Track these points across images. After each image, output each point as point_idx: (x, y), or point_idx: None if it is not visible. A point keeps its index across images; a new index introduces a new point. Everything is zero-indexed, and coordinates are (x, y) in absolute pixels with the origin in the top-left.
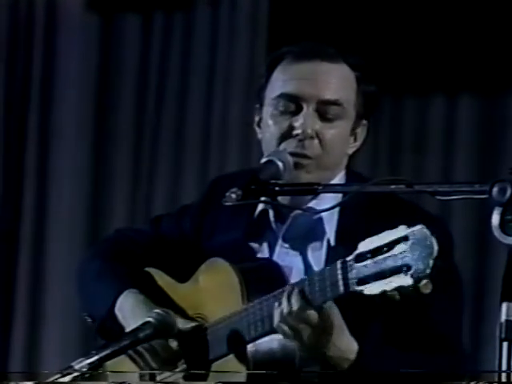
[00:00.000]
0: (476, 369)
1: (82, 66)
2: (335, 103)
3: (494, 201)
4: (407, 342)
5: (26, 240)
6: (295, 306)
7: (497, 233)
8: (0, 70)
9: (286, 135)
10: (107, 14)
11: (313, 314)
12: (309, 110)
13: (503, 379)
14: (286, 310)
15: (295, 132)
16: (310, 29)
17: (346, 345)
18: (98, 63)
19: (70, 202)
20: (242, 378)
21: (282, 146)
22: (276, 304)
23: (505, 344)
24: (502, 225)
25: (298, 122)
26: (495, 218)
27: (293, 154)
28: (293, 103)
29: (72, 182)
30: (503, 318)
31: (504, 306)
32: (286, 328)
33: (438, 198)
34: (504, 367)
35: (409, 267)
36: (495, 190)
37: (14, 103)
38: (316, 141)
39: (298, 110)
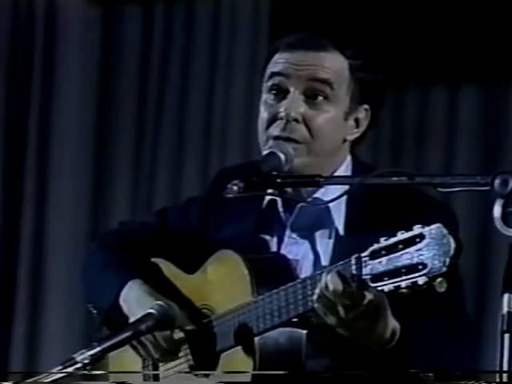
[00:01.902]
0: (476, 368)
1: (83, 59)
2: (324, 82)
3: (495, 193)
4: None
5: (27, 236)
6: (341, 286)
7: (498, 225)
8: (0, 64)
9: (273, 119)
10: (108, 6)
11: (366, 293)
12: (295, 93)
13: (504, 379)
14: (339, 288)
15: (280, 115)
16: (311, 20)
17: (393, 324)
18: (99, 56)
19: (71, 197)
20: (245, 377)
21: (270, 130)
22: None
23: (506, 336)
24: (504, 217)
25: (283, 105)
26: (497, 210)
27: (277, 138)
28: (281, 85)
29: (73, 178)
30: (505, 309)
31: (505, 297)
32: (330, 305)
33: (440, 189)
34: (506, 360)
35: (424, 265)
36: (497, 181)
37: (15, 99)
38: (302, 125)
39: (285, 94)
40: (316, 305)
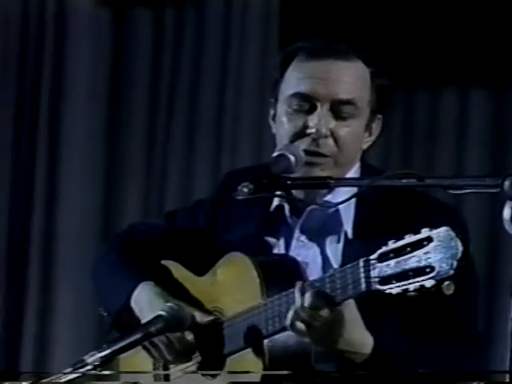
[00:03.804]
0: (487, 367)
1: (93, 63)
2: (349, 103)
3: (505, 194)
4: (423, 332)
5: (38, 238)
6: (308, 303)
7: (508, 227)
8: (11, 67)
9: (300, 134)
10: (118, 10)
11: (325, 309)
12: (323, 110)
13: None
14: (298, 307)
15: (309, 131)
16: (321, 24)
17: (359, 339)
18: (109, 60)
19: (81, 199)
20: (254, 377)
21: (296, 144)
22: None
23: None
24: None
25: (312, 121)
26: (507, 212)
27: (307, 152)
28: (307, 102)
29: (84, 179)
30: None
31: None
32: (299, 324)
33: (450, 191)
34: None
35: (432, 268)
36: (507, 183)
37: (25, 102)
38: (331, 140)
39: (312, 109)
40: (293, 322)
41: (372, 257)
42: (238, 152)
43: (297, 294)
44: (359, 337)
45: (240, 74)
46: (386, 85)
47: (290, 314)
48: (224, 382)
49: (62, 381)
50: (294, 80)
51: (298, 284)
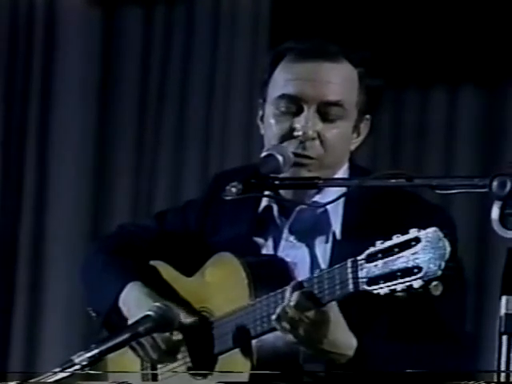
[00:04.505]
0: (476, 368)
1: (83, 61)
2: (336, 104)
3: (493, 195)
4: (411, 333)
5: (27, 237)
6: (295, 304)
7: (496, 227)
8: (0, 66)
9: (287, 136)
10: (108, 8)
11: (312, 310)
12: (310, 112)
13: (502, 379)
14: (286, 306)
15: (296, 133)
16: (311, 24)
17: (342, 340)
18: (99, 58)
19: (71, 197)
20: (243, 377)
21: (283, 145)
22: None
23: (504, 337)
24: (502, 219)
25: (299, 123)
26: (495, 212)
27: (294, 154)
28: (294, 104)
29: (73, 178)
30: (503, 311)
31: (503, 299)
32: (284, 323)
33: (438, 191)
34: (503, 361)
35: (420, 269)
36: (495, 183)
37: (15, 99)
38: (317, 142)
39: (299, 111)
40: (278, 320)
41: (360, 257)
42: (227, 152)
43: (288, 291)
44: (343, 338)
45: (229, 73)
46: (375, 86)
47: (279, 310)
48: (213, 382)
49: (50, 381)
50: (282, 81)
51: (294, 281)
